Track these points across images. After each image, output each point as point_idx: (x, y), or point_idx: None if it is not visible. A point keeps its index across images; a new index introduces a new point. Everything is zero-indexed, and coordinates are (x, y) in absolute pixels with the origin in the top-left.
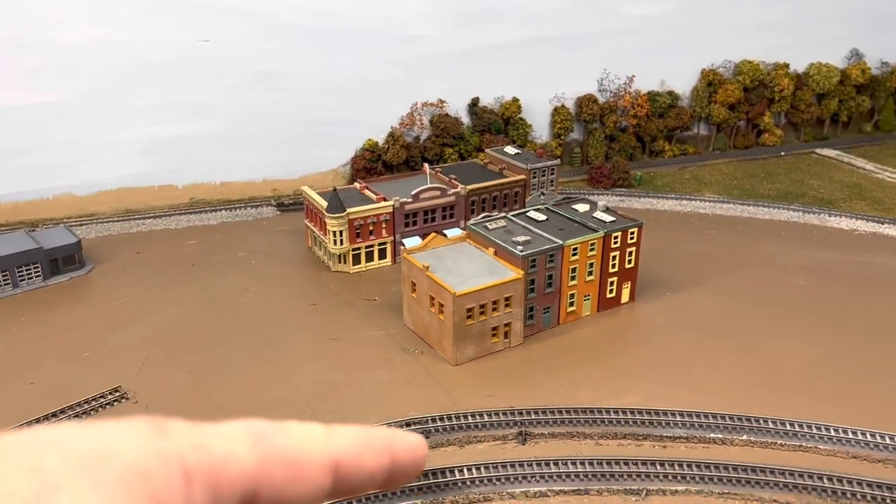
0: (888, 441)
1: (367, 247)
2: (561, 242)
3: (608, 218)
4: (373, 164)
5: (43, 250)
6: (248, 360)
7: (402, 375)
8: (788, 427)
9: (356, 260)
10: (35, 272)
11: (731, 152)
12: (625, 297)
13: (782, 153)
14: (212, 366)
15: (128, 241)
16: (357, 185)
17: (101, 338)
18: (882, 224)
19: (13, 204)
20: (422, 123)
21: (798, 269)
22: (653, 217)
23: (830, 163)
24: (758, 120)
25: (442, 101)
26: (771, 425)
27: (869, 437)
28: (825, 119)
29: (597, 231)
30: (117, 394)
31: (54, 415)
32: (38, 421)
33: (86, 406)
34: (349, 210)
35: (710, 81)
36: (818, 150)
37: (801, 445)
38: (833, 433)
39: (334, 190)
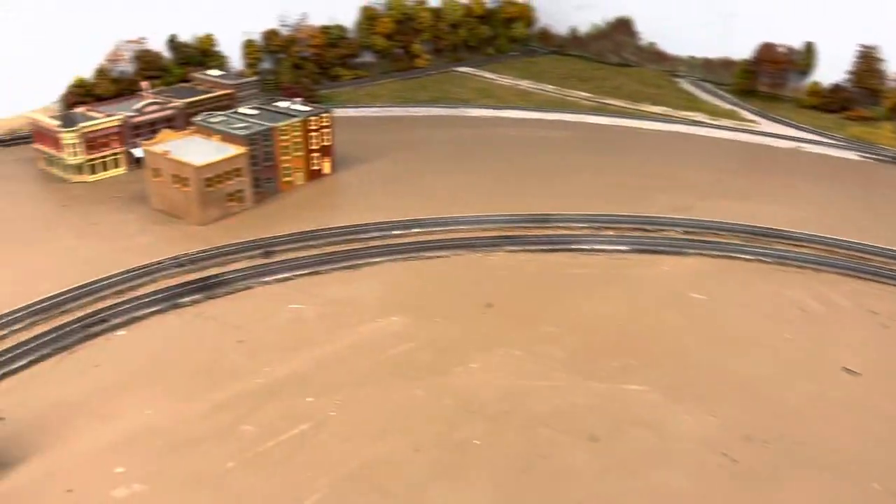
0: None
1: (101, 157)
2: (272, 125)
3: (304, 108)
4: (85, 98)
5: None
6: (25, 241)
7: (163, 237)
8: (438, 220)
9: (93, 170)
10: None
11: (395, 74)
12: (326, 169)
13: (431, 72)
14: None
15: None
16: (81, 109)
17: None
18: (499, 110)
19: None
20: (126, 59)
21: (444, 142)
22: (343, 121)
23: (466, 76)
24: (410, 47)
25: (143, 39)
26: (435, 223)
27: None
28: (459, 44)
29: (297, 116)
30: None
31: None
32: None
33: None
34: (81, 125)
35: (370, 16)
36: (457, 68)
37: (448, 229)
38: (465, 218)
39: (66, 111)
